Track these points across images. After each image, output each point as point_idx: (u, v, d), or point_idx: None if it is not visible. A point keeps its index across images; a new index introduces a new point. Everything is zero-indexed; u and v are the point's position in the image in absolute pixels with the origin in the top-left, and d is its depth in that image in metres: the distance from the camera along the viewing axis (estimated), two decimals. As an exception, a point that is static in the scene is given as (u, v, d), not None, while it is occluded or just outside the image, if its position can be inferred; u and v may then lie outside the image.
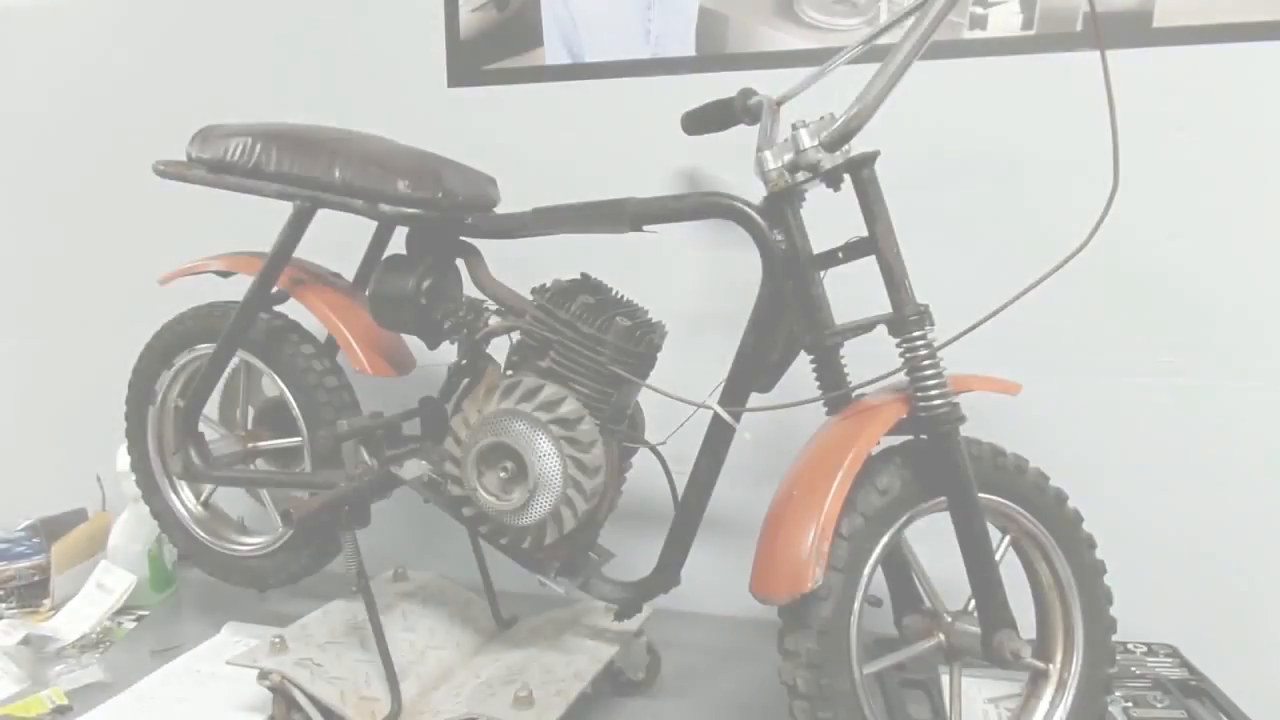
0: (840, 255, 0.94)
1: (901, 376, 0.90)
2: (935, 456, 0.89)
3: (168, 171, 1.14)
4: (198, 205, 1.56)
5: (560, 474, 0.93)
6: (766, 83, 1.15)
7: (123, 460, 1.40)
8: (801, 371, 0.97)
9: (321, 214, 1.10)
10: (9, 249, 1.76)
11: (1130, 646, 1.23)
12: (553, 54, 1.41)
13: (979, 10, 1.25)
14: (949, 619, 0.95)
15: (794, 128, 0.90)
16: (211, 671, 1.19)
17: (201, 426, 1.28)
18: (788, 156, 0.92)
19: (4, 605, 1.40)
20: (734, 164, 1.32)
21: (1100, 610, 0.97)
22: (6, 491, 1.78)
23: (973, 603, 0.92)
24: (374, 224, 1.24)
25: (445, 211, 1.05)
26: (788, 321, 0.95)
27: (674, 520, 1.02)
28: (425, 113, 1.47)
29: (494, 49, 1.44)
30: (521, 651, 1.12)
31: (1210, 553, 1.28)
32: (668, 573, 1.02)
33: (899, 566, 0.98)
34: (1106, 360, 1.28)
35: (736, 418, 0.95)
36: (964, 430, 0.88)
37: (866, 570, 0.87)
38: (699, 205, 0.94)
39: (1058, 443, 1.25)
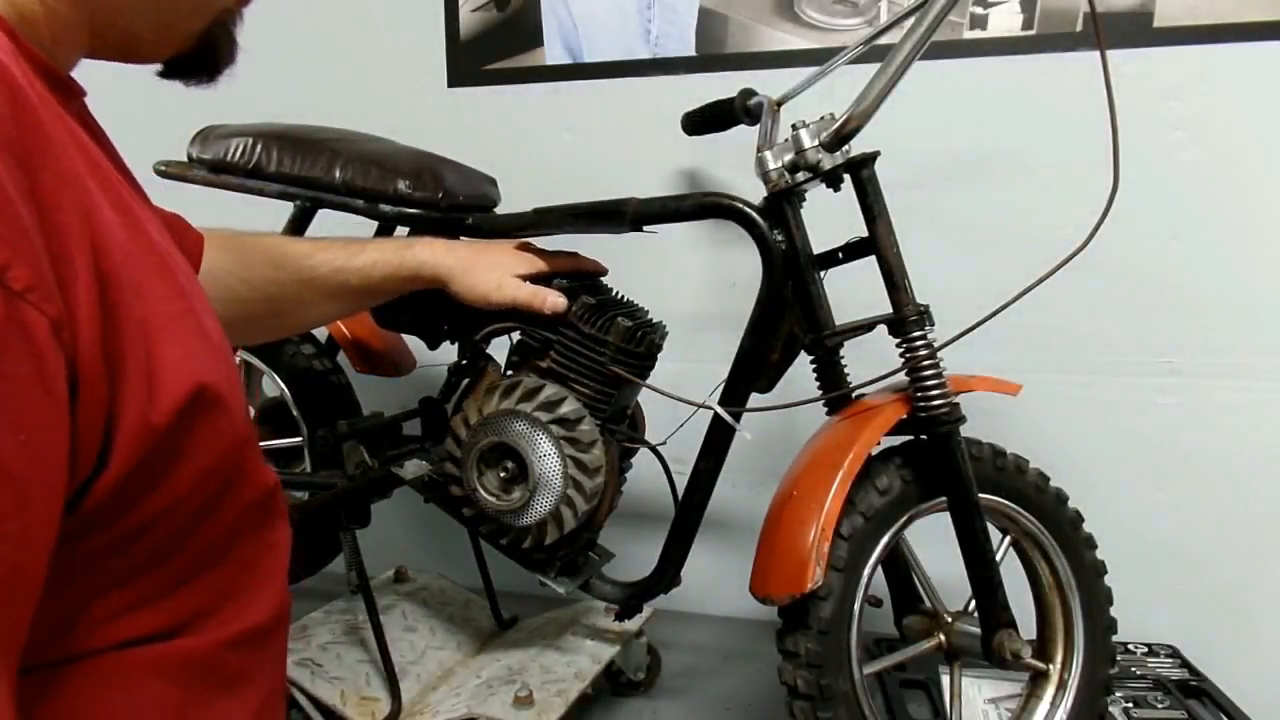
0: (840, 255, 0.94)
1: (901, 376, 0.90)
2: (935, 456, 0.89)
3: (168, 172, 1.14)
4: (198, 206, 1.56)
5: (561, 474, 0.93)
6: (766, 83, 1.15)
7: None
8: (801, 371, 0.97)
9: (321, 214, 1.10)
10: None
11: (1130, 646, 1.24)
12: (553, 54, 1.41)
13: (979, 10, 1.25)
14: (949, 619, 0.95)
15: (794, 128, 0.90)
16: (212, 671, 1.19)
17: (202, 426, 1.28)
18: (788, 157, 0.92)
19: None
20: (734, 164, 1.32)
21: (1100, 610, 0.97)
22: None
23: (973, 603, 0.93)
24: (374, 224, 1.24)
25: (445, 211, 1.05)
26: (788, 321, 0.95)
27: (674, 520, 1.02)
28: (425, 113, 1.47)
29: (494, 49, 1.44)
30: (521, 651, 1.12)
31: (1210, 553, 1.28)
32: (668, 573, 1.02)
33: (899, 566, 0.98)
34: (1106, 360, 1.28)
35: (737, 418, 0.95)
36: (964, 430, 0.88)
37: (866, 570, 0.87)
38: (699, 205, 0.94)
39: (1058, 443, 1.25)
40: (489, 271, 0.92)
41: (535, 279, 0.95)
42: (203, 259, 0.72)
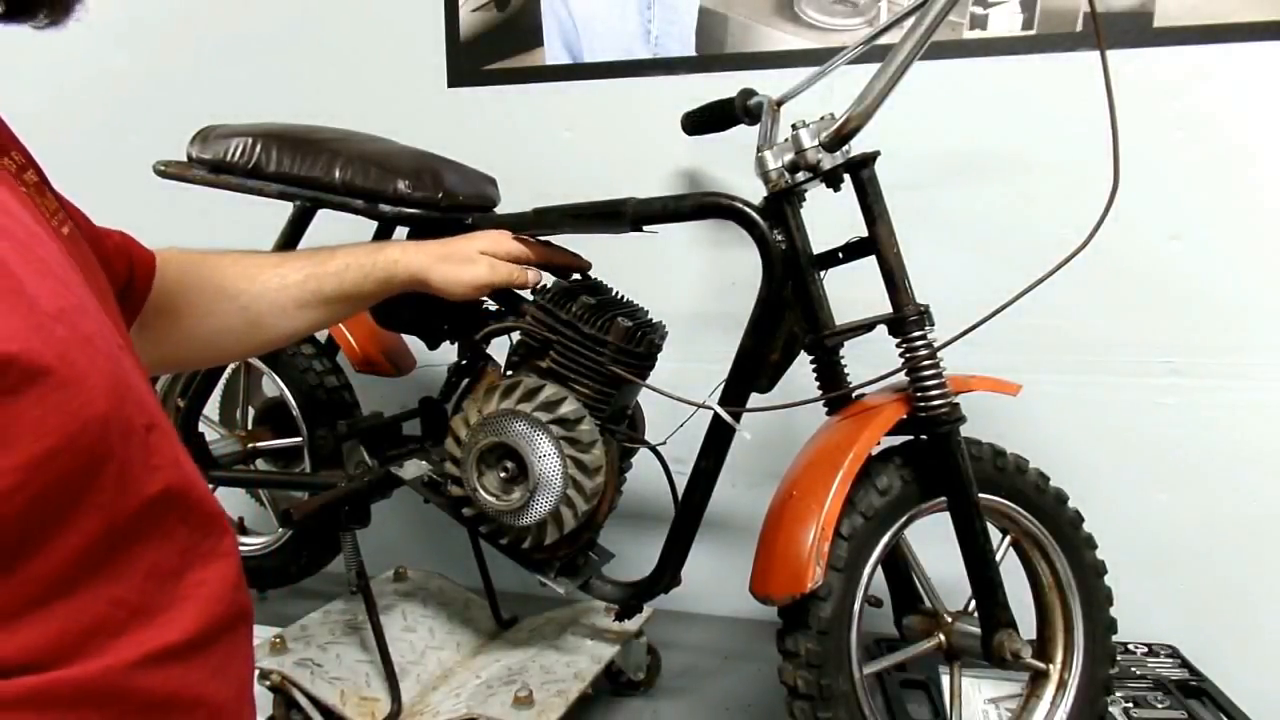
0: (840, 255, 0.94)
1: (901, 376, 0.90)
2: (935, 456, 0.89)
3: (168, 172, 1.14)
4: (198, 206, 1.56)
5: (560, 474, 0.93)
6: (766, 83, 1.15)
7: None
8: (801, 371, 0.97)
9: (321, 214, 1.10)
10: (9, 249, 1.76)
11: (1130, 646, 1.23)
12: (553, 54, 1.41)
13: (979, 10, 1.25)
14: (949, 619, 0.95)
15: (794, 128, 0.90)
16: (211, 671, 1.19)
17: (201, 426, 1.28)
18: (788, 157, 0.92)
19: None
20: (734, 164, 1.32)
21: (1100, 610, 0.97)
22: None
23: (973, 603, 0.93)
24: (374, 224, 1.24)
25: (445, 211, 1.05)
26: (788, 321, 0.95)
27: (674, 520, 1.02)
28: (425, 113, 1.47)
29: (494, 49, 1.44)
30: (521, 651, 1.12)
31: (1210, 553, 1.28)
32: (668, 573, 1.02)
33: (899, 566, 0.98)
34: (1106, 360, 1.28)
35: (737, 418, 0.95)
36: (964, 430, 0.88)
37: (866, 570, 0.87)
38: (699, 205, 0.94)
39: (1058, 443, 1.25)
40: (464, 263, 0.92)
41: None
42: (169, 273, 0.72)
